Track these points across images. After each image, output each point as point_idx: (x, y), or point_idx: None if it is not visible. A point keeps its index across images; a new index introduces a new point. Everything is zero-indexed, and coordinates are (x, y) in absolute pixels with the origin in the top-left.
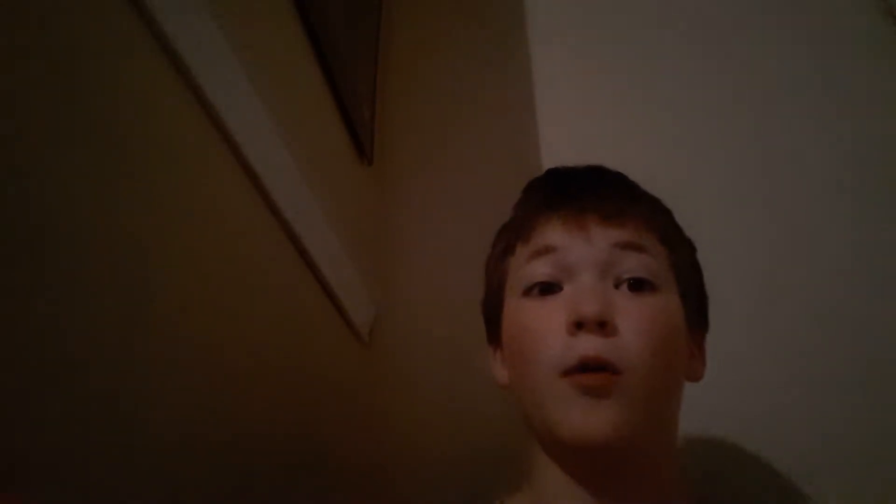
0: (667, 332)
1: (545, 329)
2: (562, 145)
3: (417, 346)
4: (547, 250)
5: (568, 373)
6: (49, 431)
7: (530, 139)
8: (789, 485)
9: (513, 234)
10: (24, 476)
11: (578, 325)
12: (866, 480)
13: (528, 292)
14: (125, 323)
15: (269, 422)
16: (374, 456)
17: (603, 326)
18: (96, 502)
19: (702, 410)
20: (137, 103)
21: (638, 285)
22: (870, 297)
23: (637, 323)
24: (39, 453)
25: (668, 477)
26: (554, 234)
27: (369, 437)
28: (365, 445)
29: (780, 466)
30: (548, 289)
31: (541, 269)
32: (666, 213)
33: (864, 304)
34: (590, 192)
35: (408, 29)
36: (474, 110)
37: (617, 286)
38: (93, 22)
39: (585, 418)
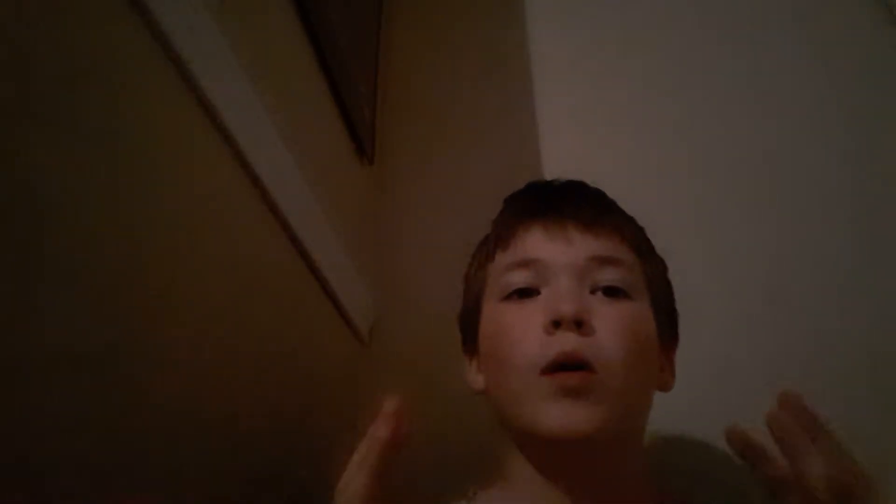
0: (639, 336)
1: (523, 329)
2: (561, 144)
3: (417, 346)
4: (527, 263)
5: (546, 371)
6: (49, 426)
7: (530, 139)
8: None
9: (492, 243)
10: (25, 469)
11: (556, 324)
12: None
13: (506, 298)
14: (125, 321)
15: (269, 421)
16: None
17: (580, 325)
18: (97, 495)
19: (699, 411)
20: (137, 103)
21: (612, 292)
22: (870, 298)
23: (612, 324)
24: (38, 447)
25: (635, 472)
26: (534, 243)
27: None
28: None
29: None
30: (525, 293)
31: (520, 278)
32: (640, 229)
33: (864, 305)
34: (568, 201)
35: (408, 29)
36: (474, 110)
37: (592, 292)
38: (93, 22)
39: (566, 417)
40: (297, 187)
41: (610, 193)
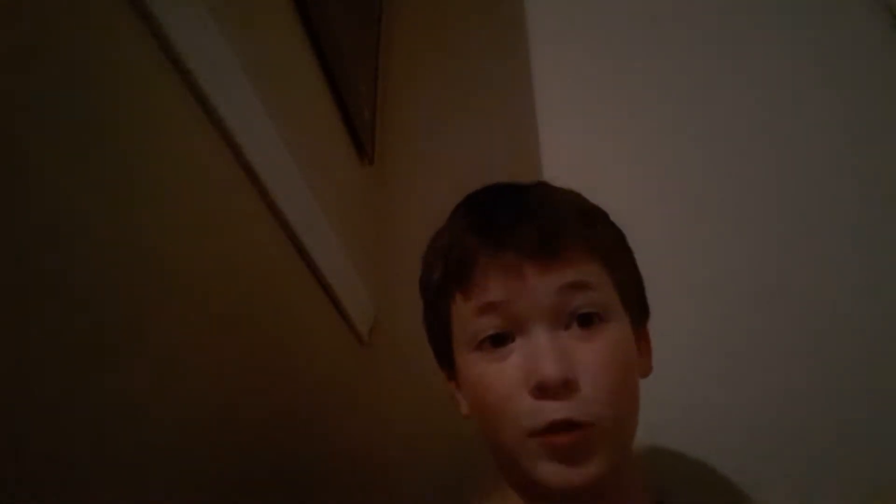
0: (621, 361)
1: (507, 389)
2: (561, 143)
3: (417, 346)
4: (491, 307)
5: (537, 434)
6: (49, 428)
7: (530, 138)
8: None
9: (448, 275)
10: (25, 472)
11: (541, 389)
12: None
13: (479, 346)
14: (126, 321)
15: (269, 421)
16: (373, 455)
17: (566, 386)
18: (97, 497)
19: (701, 409)
20: (137, 104)
21: (587, 320)
22: (870, 300)
23: (594, 367)
24: (39, 449)
25: (631, 481)
26: (496, 286)
27: (369, 437)
28: (364, 445)
29: (774, 468)
30: (499, 340)
31: (488, 323)
32: (603, 225)
33: (864, 306)
34: (524, 228)
35: (408, 29)
36: (474, 110)
37: (567, 326)
38: (93, 23)
39: (561, 476)
40: (297, 187)
41: (608, 191)
